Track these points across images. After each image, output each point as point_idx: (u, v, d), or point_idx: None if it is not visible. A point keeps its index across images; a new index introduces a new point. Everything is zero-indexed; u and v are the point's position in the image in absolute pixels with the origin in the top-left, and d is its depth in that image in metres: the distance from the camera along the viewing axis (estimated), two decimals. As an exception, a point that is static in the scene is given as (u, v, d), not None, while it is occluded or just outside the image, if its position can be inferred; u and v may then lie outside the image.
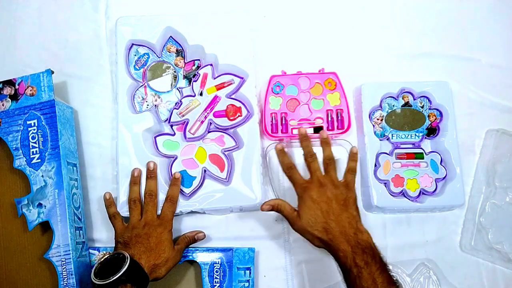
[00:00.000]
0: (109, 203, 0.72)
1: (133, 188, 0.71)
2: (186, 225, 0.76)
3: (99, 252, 0.73)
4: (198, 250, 0.72)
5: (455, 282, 0.75)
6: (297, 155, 0.78)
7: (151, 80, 0.78)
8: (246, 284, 0.71)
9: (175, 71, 0.78)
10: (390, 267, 0.61)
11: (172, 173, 0.73)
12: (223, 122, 0.75)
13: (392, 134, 0.77)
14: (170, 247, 0.67)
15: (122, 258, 0.61)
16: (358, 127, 0.78)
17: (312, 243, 0.65)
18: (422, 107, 0.78)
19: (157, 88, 0.77)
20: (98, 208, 0.77)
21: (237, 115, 0.76)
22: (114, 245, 0.68)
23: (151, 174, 0.72)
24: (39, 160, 0.70)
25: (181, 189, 0.72)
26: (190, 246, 0.72)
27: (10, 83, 0.73)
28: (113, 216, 0.71)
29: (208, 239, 0.75)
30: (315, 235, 0.63)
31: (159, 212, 0.70)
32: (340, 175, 0.77)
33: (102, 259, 0.62)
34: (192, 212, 0.74)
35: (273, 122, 0.76)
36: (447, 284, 0.74)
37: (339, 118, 0.76)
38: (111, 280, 0.58)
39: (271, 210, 0.68)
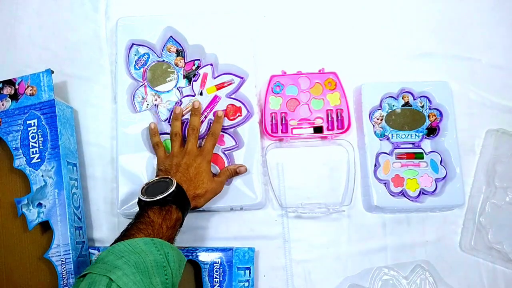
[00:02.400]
0: (154, 132, 0.74)
1: (175, 123, 0.74)
2: (185, 225, 0.75)
3: (99, 252, 0.73)
4: (198, 250, 0.72)
5: (455, 282, 0.75)
6: (297, 155, 0.78)
7: (151, 80, 0.78)
8: (246, 284, 0.71)
9: (177, 75, 0.78)
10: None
11: None
12: (223, 122, 0.75)
13: (392, 134, 0.77)
14: (209, 179, 0.68)
15: (168, 182, 0.63)
16: (358, 127, 0.78)
17: None
18: (422, 107, 0.78)
19: (157, 88, 0.77)
20: (98, 208, 0.77)
21: (237, 115, 0.76)
22: (156, 174, 0.70)
23: (195, 112, 0.73)
24: (39, 160, 0.70)
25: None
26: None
27: (10, 82, 0.73)
28: (156, 145, 0.73)
29: (208, 239, 0.75)
30: None
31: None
32: (340, 175, 0.78)
33: (150, 182, 0.65)
34: (192, 211, 0.74)
35: (273, 122, 0.76)
36: (444, 285, 0.74)
37: (339, 118, 0.76)
38: (158, 198, 0.61)
39: None
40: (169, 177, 0.65)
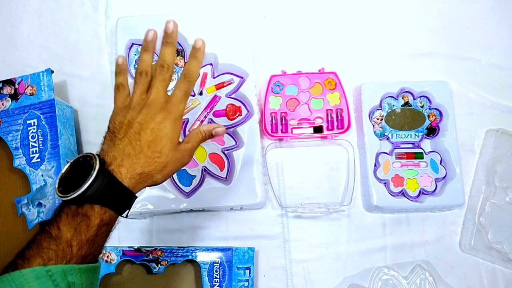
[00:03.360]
0: (120, 69, 0.56)
1: (144, 56, 0.55)
2: (185, 224, 0.76)
3: (98, 251, 0.73)
4: (198, 249, 0.72)
5: (455, 282, 0.75)
6: (297, 155, 0.78)
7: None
8: (246, 284, 0.71)
9: (176, 74, 0.78)
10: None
11: None
12: (223, 121, 0.75)
13: (392, 134, 0.77)
14: (171, 148, 0.50)
15: (92, 164, 0.45)
16: (358, 127, 0.78)
17: None
18: (422, 107, 0.78)
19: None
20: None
21: (237, 115, 0.76)
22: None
23: (168, 39, 0.53)
24: (39, 160, 0.70)
25: (180, 188, 0.72)
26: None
27: (10, 82, 0.73)
28: (117, 87, 0.55)
29: (208, 239, 0.75)
30: None
31: None
32: (340, 175, 0.78)
33: (69, 164, 0.47)
34: (191, 211, 0.74)
35: (273, 121, 0.76)
36: (444, 285, 0.74)
37: (339, 117, 0.76)
38: (69, 197, 0.44)
39: None
40: (91, 155, 0.46)
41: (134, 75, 0.77)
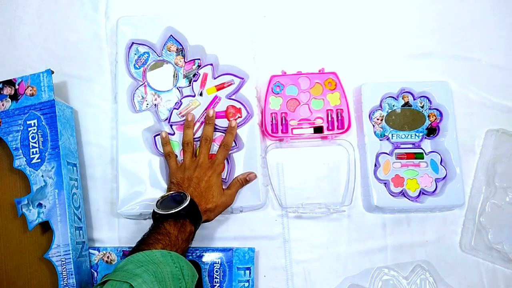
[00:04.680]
0: (165, 141, 0.74)
1: (187, 131, 0.74)
2: (186, 225, 0.76)
3: (99, 252, 0.73)
4: (198, 250, 0.72)
5: (455, 282, 0.75)
6: (297, 155, 0.78)
7: (151, 78, 0.77)
8: (246, 284, 0.71)
9: (177, 74, 0.78)
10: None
11: None
12: (223, 123, 0.75)
13: (392, 134, 0.77)
14: (219, 192, 0.69)
15: (182, 196, 0.65)
16: (358, 127, 0.78)
17: None
18: (422, 107, 0.78)
19: (157, 87, 0.77)
20: (98, 208, 0.77)
21: (237, 116, 0.76)
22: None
23: (209, 121, 0.73)
24: (39, 160, 0.70)
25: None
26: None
27: (10, 83, 0.73)
28: (168, 155, 0.73)
29: (208, 239, 0.75)
30: None
31: None
32: (340, 175, 0.78)
33: (164, 195, 0.67)
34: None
35: (273, 122, 0.76)
36: (444, 285, 0.74)
37: (339, 118, 0.76)
38: (173, 211, 0.62)
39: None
40: (183, 191, 0.66)
41: (133, 74, 0.77)
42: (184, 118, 0.76)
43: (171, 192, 0.67)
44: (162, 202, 0.66)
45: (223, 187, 0.71)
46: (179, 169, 0.71)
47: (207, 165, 0.71)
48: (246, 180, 0.73)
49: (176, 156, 0.74)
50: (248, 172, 0.73)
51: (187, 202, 0.63)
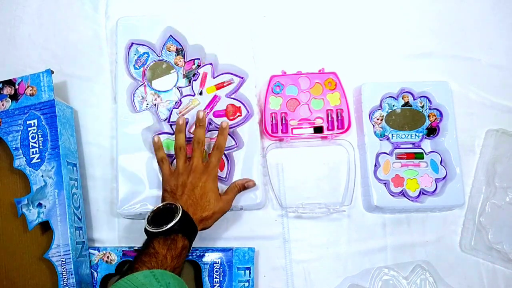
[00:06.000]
0: (158, 146, 0.72)
1: (178, 135, 0.71)
2: (186, 225, 0.76)
3: (99, 252, 0.73)
4: (198, 250, 0.72)
5: (455, 282, 0.75)
6: (297, 155, 0.78)
7: (150, 79, 0.78)
8: (246, 284, 0.71)
9: (176, 74, 0.78)
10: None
11: None
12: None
13: (392, 134, 0.77)
14: (216, 198, 0.67)
15: (174, 209, 0.62)
16: (358, 127, 0.78)
17: None
18: (422, 107, 0.78)
19: (156, 87, 0.78)
20: (98, 208, 0.77)
21: (237, 115, 0.76)
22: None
23: (200, 123, 0.71)
24: (39, 160, 0.70)
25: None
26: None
27: (10, 83, 0.73)
28: (160, 161, 0.71)
29: (208, 239, 0.75)
30: None
31: None
32: (340, 175, 0.78)
33: (155, 209, 0.64)
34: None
35: (273, 122, 0.76)
36: (444, 285, 0.74)
37: (339, 118, 0.76)
38: (164, 228, 0.60)
39: None
40: (175, 203, 0.63)
41: (133, 75, 0.77)
42: (184, 117, 0.76)
43: (162, 204, 0.64)
44: (153, 216, 0.63)
45: (220, 192, 0.69)
46: (173, 176, 0.69)
47: (201, 170, 0.68)
48: (244, 186, 0.71)
49: (172, 162, 0.72)
50: (246, 178, 0.72)
51: (178, 217, 0.60)
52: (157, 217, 0.62)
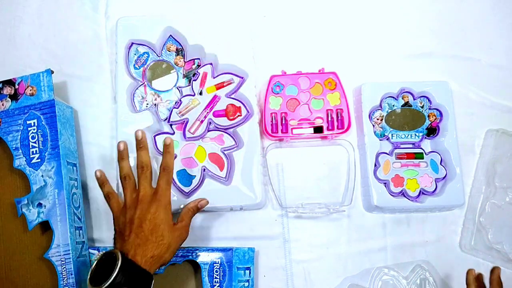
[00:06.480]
0: (102, 181, 0.67)
1: (122, 164, 0.65)
2: (186, 225, 0.76)
3: (99, 252, 0.73)
4: (198, 250, 0.72)
5: (455, 282, 0.75)
6: (297, 155, 0.78)
7: (150, 79, 0.78)
8: (246, 284, 0.71)
9: (176, 73, 0.78)
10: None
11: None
12: (223, 121, 0.75)
13: (392, 134, 0.77)
14: (169, 230, 0.60)
15: (114, 258, 0.55)
16: (358, 127, 0.78)
17: None
18: (422, 107, 0.78)
19: (156, 87, 0.78)
20: (98, 208, 0.77)
21: (237, 115, 0.76)
22: (112, 245, 0.65)
23: (140, 144, 0.65)
24: (39, 160, 0.70)
25: (180, 188, 0.73)
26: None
27: (10, 82, 0.73)
28: (107, 196, 0.65)
29: (208, 239, 0.75)
30: None
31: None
32: (340, 175, 0.77)
33: (96, 260, 0.57)
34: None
35: (273, 122, 0.76)
36: (444, 285, 0.74)
37: (339, 118, 0.76)
38: (104, 286, 0.53)
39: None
40: (114, 251, 0.56)
41: (133, 74, 0.77)
42: (184, 117, 0.76)
43: (103, 253, 0.57)
44: (96, 269, 0.56)
45: (173, 222, 0.63)
46: (121, 212, 0.62)
47: (149, 199, 0.61)
48: (197, 208, 0.66)
49: (118, 196, 0.66)
50: (198, 199, 0.67)
51: (117, 268, 0.53)
52: (100, 269, 0.56)
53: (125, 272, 0.54)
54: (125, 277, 0.54)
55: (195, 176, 0.73)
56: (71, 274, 0.68)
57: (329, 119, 0.76)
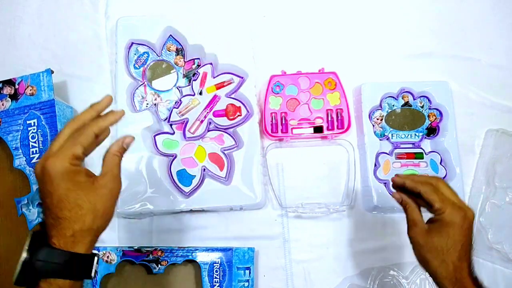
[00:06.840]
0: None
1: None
2: (185, 224, 0.76)
3: (99, 252, 0.73)
4: (198, 249, 0.72)
5: (455, 282, 0.75)
6: (297, 155, 0.78)
7: (150, 79, 0.78)
8: (246, 284, 0.71)
9: (176, 73, 0.78)
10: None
11: (172, 171, 0.73)
12: (223, 121, 0.75)
13: (392, 134, 0.77)
14: (86, 191, 0.45)
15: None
16: (358, 127, 0.78)
17: (418, 261, 0.58)
18: (422, 107, 0.78)
19: (156, 87, 0.78)
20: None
21: (237, 115, 0.76)
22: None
23: (107, 124, 0.54)
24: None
25: (180, 188, 0.73)
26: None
27: (10, 82, 0.73)
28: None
29: (208, 239, 0.75)
30: (431, 261, 0.56)
31: None
32: (340, 175, 0.77)
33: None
34: (191, 211, 0.74)
35: (273, 122, 0.76)
36: (446, 285, 0.74)
37: (339, 118, 0.76)
38: (14, 279, 0.45)
39: (400, 203, 0.58)
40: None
41: (133, 74, 0.77)
42: (184, 117, 0.76)
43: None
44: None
45: (93, 176, 0.49)
46: None
47: (40, 166, 0.46)
48: (123, 148, 0.51)
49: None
50: (121, 138, 0.52)
51: (24, 256, 0.43)
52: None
53: (41, 262, 0.44)
54: (47, 267, 0.44)
55: (195, 176, 0.73)
56: (71, 274, 0.68)
57: (329, 119, 0.76)
